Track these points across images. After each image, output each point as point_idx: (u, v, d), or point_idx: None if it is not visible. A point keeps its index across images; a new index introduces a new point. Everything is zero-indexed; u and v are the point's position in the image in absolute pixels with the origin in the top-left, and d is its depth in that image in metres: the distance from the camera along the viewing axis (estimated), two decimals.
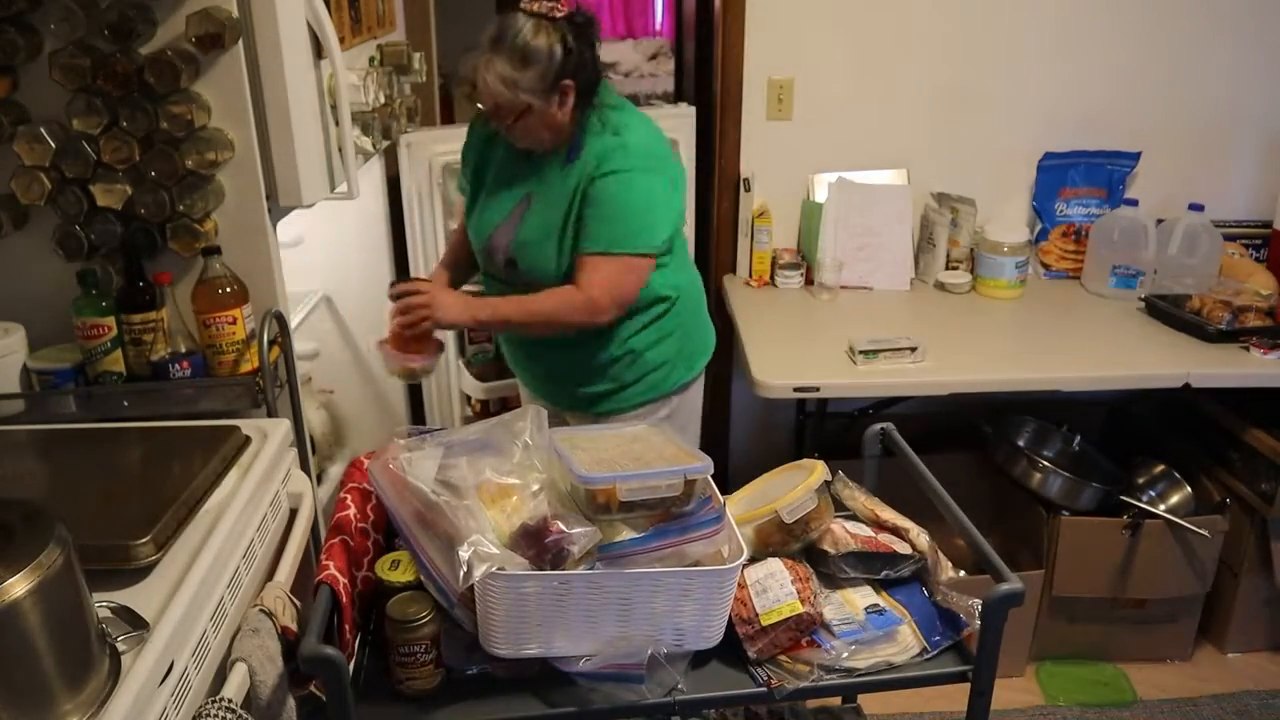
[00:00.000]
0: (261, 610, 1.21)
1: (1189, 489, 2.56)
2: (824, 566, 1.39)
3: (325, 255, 2.49)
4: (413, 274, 2.58)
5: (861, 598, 1.37)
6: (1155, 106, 2.84)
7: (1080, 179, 2.87)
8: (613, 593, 1.21)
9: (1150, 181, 2.89)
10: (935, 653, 1.32)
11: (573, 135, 1.80)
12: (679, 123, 2.66)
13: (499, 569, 1.16)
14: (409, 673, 1.23)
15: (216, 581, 1.18)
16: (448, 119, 3.06)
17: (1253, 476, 2.42)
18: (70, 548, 0.94)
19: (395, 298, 1.84)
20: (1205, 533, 2.38)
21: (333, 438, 2.57)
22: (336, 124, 1.82)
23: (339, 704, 1.14)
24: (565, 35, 1.71)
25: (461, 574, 1.15)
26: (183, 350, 1.65)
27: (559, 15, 1.71)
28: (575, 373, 1.94)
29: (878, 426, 1.66)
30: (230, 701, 1.05)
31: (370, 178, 2.40)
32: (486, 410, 2.67)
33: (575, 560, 1.19)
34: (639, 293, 1.83)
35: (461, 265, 2.06)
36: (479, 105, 1.78)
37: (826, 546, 1.39)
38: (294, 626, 1.25)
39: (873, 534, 1.45)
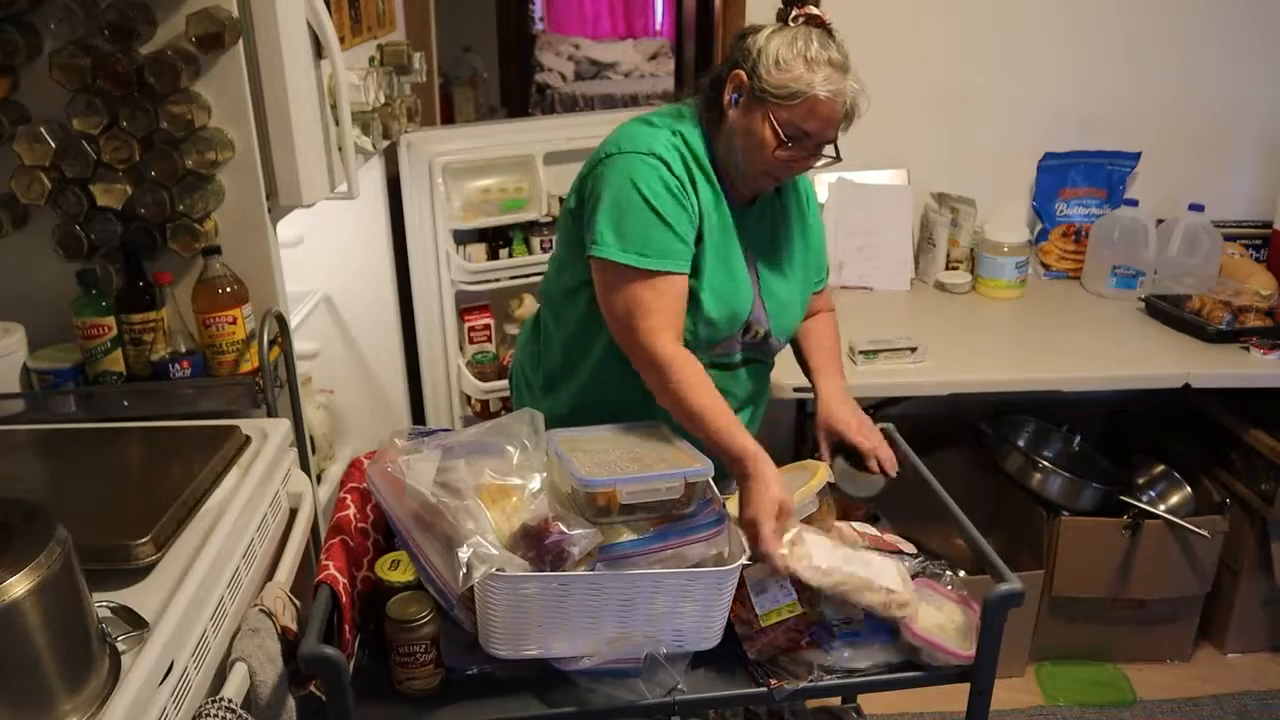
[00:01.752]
0: (261, 610, 1.21)
1: (1189, 489, 2.56)
2: None
3: (325, 255, 2.49)
4: (412, 275, 2.58)
5: None
6: (1155, 106, 2.84)
7: (1080, 179, 2.88)
8: (612, 594, 1.21)
9: (1150, 181, 2.89)
10: None
11: None
12: None
13: (498, 570, 1.16)
14: (409, 673, 1.23)
15: (216, 581, 1.18)
16: (448, 119, 3.06)
17: (1253, 476, 2.42)
18: (70, 548, 0.94)
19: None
20: (1205, 533, 2.38)
21: (333, 438, 2.57)
22: (336, 124, 1.82)
23: (339, 704, 1.15)
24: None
25: (461, 575, 1.15)
26: (183, 350, 1.65)
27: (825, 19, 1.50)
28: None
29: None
30: (230, 701, 1.05)
31: (370, 178, 2.40)
32: (486, 410, 2.67)
33: (576, 562, 1.19)
34: None
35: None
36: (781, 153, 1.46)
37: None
38: (294, 626, 1.25)
39: (879, 533, 1.46)
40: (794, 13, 1.46)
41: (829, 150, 1.50)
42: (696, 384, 1.39)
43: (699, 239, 1.48)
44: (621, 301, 1.42)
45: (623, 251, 1.41)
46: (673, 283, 1.43)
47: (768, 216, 1.60)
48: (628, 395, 1.49)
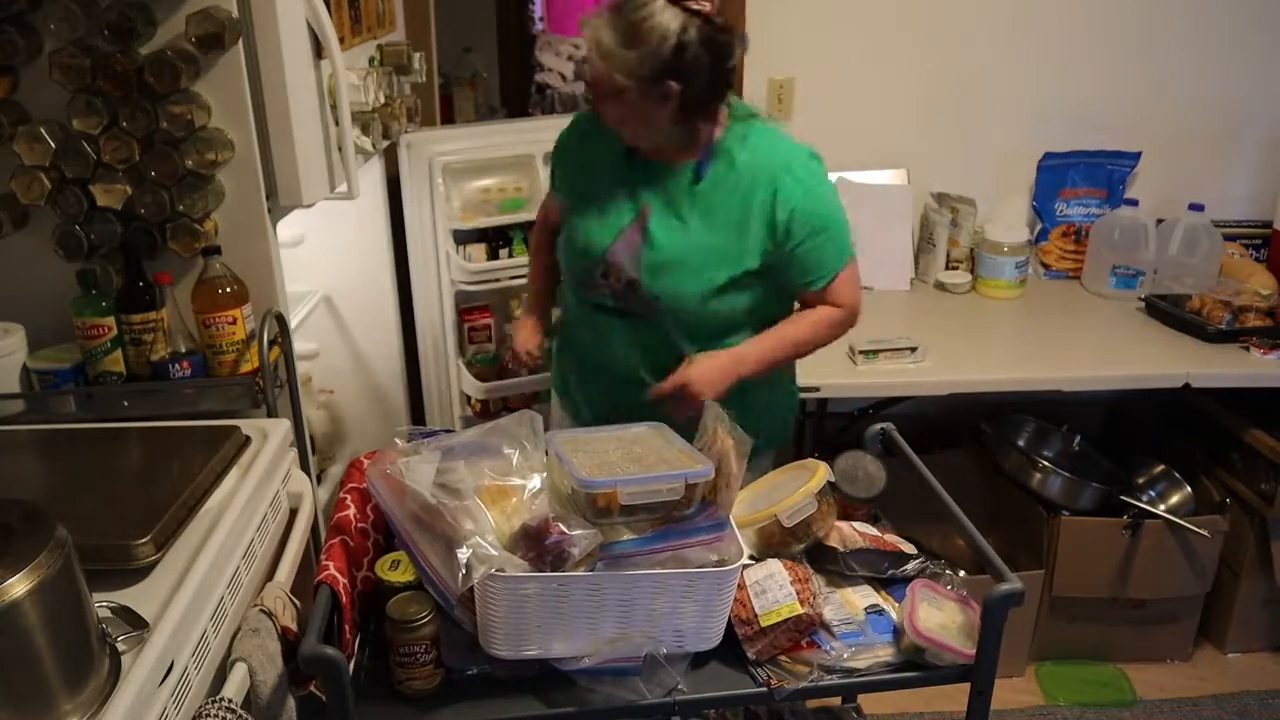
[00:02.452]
0: (261, 610, 1.21)
1: (1189, 489, 2.56)
2: (831, 563, 1.40)
3: (325, 255, 2.49)
4: (412, 275, 2.58)
5: (861, 598, 1.37)
6: (1155, 106, 2.84)
7: (1080, 179, 2.88)
8: (612, 594, 1.21)
9: (1150, 181, 2.89)
10: None
11: (698, 151, 1.63)
12: None
13: (498, 570, 1.16)
14: (409, 673, 1.23)
15: (216, 581, 1.18)
16: (448, 119, 3.06)
17: (1253, 476, 2.42)
18: (70, 548, 0.94)
19: (657, 401, 1.64)
20: (1205, 533, 2.38)
21: (333, 438, 2.57)
22: (336, 124, 1.81)
23: (339, 704, 1.14)
24: (690, 30, 1.50)
25: (460, 576, 1.15)
26: (183, 350, 1.65)
27: (694, 7, 1.51)
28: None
29: (878, 426, 1.66)
30: (230, 701, 1.05)
31: (370, 178, 2.40)
32: (486, 410, 2.67)
33: (576, 562, 1.19)
34: None
35: (549, 292, 1.89)
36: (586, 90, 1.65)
37: (834, 543, 1.40)
38: (294, 626, 1.25)
39: (879, 533, 1.46)
40: None
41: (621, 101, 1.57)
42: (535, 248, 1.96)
43: (584, 178, 1.72)
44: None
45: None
46: (551, 197, 1.87)
47: (703, 186, 1.64)
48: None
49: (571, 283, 1.79)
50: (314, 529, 1.57)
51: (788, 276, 1.69)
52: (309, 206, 1.74)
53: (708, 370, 1.63)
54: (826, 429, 2.79)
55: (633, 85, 1.53)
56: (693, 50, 1.52)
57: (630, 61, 1.51)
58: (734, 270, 1.64)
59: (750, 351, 1.67)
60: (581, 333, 1.82)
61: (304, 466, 1.70)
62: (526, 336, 1.93)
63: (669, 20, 1.49)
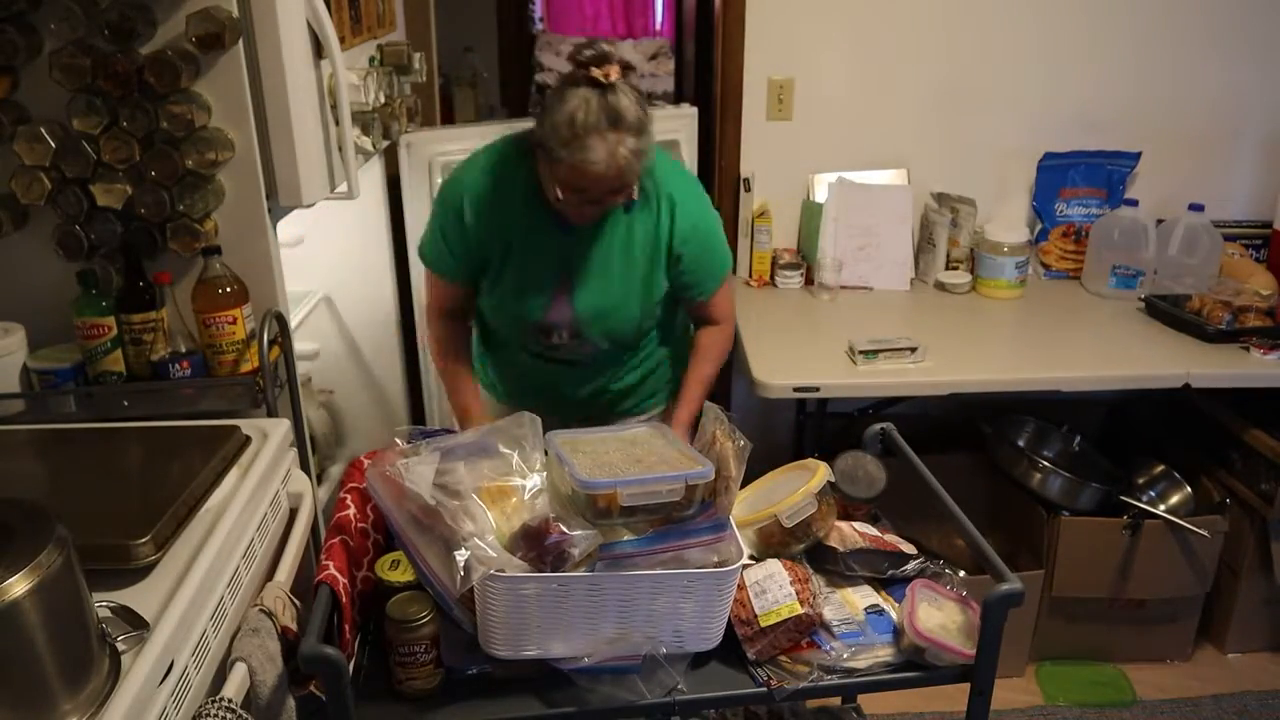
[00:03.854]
0: (261, 610, 1.21)
1: (1189, 489, 2.56)
2: (831, 563, 1.40)
3: (325, 255, 2.49)
4: (412, 275, 2.58)
5: (862, 598, 1.37)
6: (1155, 106, 2.84)
7: (1080, 179, 2.87)
8: (612, 594, 1.21)
9: (1150, 181, 2.89)
10: None
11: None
12: (680, 123, 2.66)
13: (497, 571, 1.16)
14: (409, 673, 1.23)
15: (216, 581, 1.18)
16: (448, 119, 3.06)
17: (1253, 476, 2.42)
18: (70, 548, 0.94)
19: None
20: (1205, 533, 2.38)
21: (333, 438, 2.57)
22: (336, 124, 1.81)
23: (339, 704, 1.14)
24: (635, 92, 1.54)
25: (459, 577, 1.15)
26: (183, 350, 1.65)
27: (626, 76, 1.54)
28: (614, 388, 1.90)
29: (878, 426, 1.66)
30: (230, 701, 1.05)
31: (370, 178, 2.40)
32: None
33: (576, 563, 1.19)
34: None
35: (466, 352, 1.89)
36: (573, 194, 1.57)
37: (834, 543, 1.40)
38: (294, 626, 1.25)
39: (879, 533, 1.46)
40: (576, 73, 1.50)
41: (623, 196, 1.61)
42: (446, 351, 1.84)
43: (507, 254, 1.70)
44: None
45: (421, 248, 1.79)
46: (439, 278, 1.79)
47: (603, 236, 1.70)
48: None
49: (512, 337, 1.84)
50: (314, 529, 1.57)
51: (679, 289, 1.79)
52: (309, 206, 1.74)
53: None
54: (826, 429, 2.79)
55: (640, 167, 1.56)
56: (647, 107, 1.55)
57: (650, 144, 1.55)
58: (656, 297, 1.76)
59: (684, 414, 1.82)
60: (524, 369, 1.89)
61: (304, 466, 1.70)
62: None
63: (635, 98, 1.52)
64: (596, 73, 1.48)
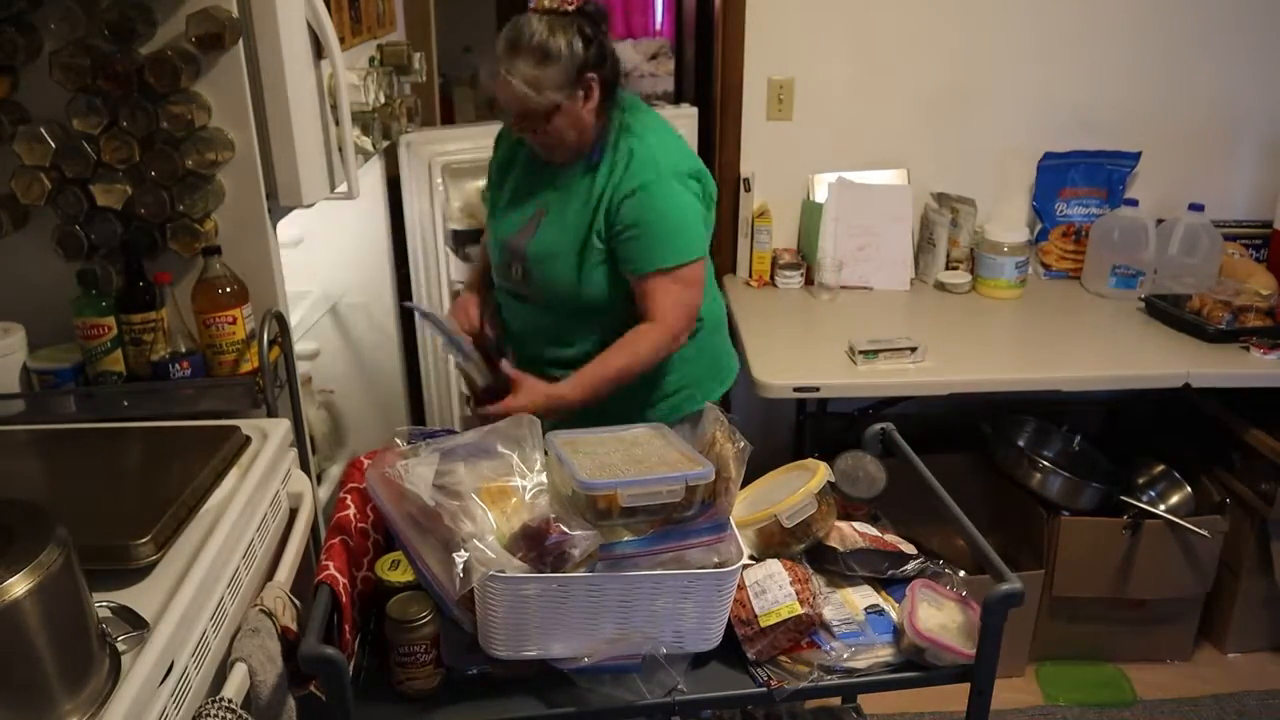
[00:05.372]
0: (261, 610, 1.21)
1: (1189, 489, 2.56)
2: (831, 563, 1.40)
3: (325, 255, 2.49)
4: (412, 275, 2.58)
5: (862, 598, 1.37)
6: (1155, 106, 2.84)
7: (1080, 179, 2.87)
8: (612, 595, 1.21)
9: (1150, 181, 2.89)
10: None
11: (597, 137, 1.74)
12: (681, 123, 2.65)
13: (497, 571, 1.16)
14: (409, 673, 1.23)
15: (216, 581, 1.18)
16: (448, 119, 3.06)
17: (1253, 476, 2.42)
18: (70, 548, 0.94)
19: (483, 418, 1.73)
20: (1205, 533, 2.38)
21: (333, 438, 2.56)
22: (336, 124, 1.82)
23: (339, 704, 1.14)
24: (582, 27, 1.65)
25: (458, 578, 1.15)
26: (183, 350, 1.65)
27: (570, 9, 1.66)
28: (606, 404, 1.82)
29: (878, 426, 1.66)
30: (230, 701, 1.05)
31: (370, 178, 2.40)
32: None
33: (576, 563, 1.19)
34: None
35: (488, 280, 2.00)
36: (504, 115, 1.73)
37: (834, 543, 1.40)
38: (294, 626, 1.25)
39: (879, 533, 1.46)
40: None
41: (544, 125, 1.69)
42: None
43: (505, 175, 1.88)
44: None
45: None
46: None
47: (571, 183, 1.78)
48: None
49: (494, 271, 1.95)
50: (314, 529, 1.57)
51: (619, 261, 1.77)
52: (309, 206, 1.74)
53: (529, 405, 1.70)
54: (826, 429, 2.79)
55: (562, 96, 1.66)
56: (594, 38, 1.67)
57: (556, 77, 1.65)
58: (594, 258, 1.76)
59: (568, 391, 1.76)
60: (503, 314, 1.96)
61: (304, 466, 1.70)
62: (465, 313, 1.95)
63: (560, 30, 1.64)
64: None
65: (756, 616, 1.28)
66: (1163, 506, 2.51)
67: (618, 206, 1.71)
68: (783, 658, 1.30)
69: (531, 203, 1.82)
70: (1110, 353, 2.41)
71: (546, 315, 1.85)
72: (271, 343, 1.67)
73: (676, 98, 4.35)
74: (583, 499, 1.22)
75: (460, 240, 2.59)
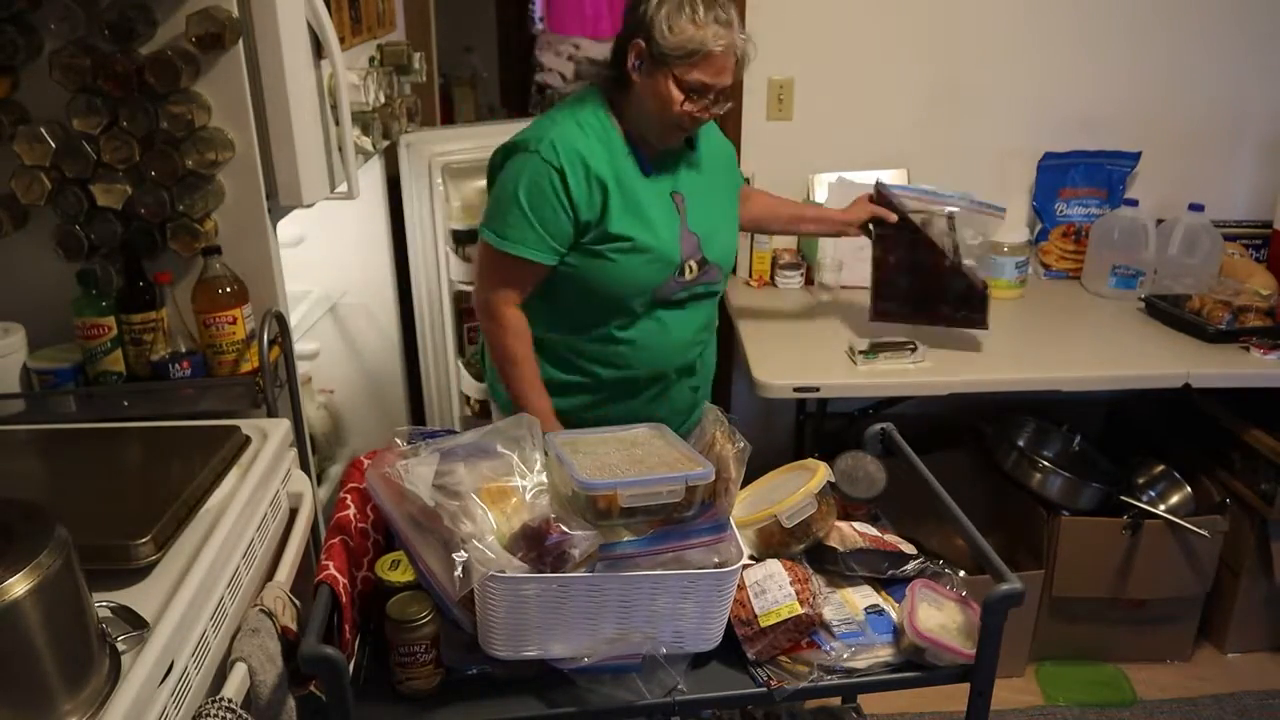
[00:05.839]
0: (261, 610, 1.21)
1: (1189, 489, 2.56)
2: (831, 563, 1.40)
3: (325, 255, 2.49)
4: (412, 275, 2.58)
5: (862, 598, 1.37)
6: (1155, 106, 2.84)
7: (1080, 179, 2.87)
8: (612, 595, 1.21)
9: (1150, 181, 2.89)
10: None
11: None
12: None
13: (497, 571, 1.16)
14: (409, 673, 1.23)
15: (216, 581, 1.18)
16: (448, 119, 3.06)
17: (1253, 476, 2.42)
18: (70, 548, 0.94)
19: None
20: (1205, 533, 2.38)
21: (333, 438, 2.57)
22: (336, 124, 1.82)
23: (339, 704, 1.14)
24: None
25: (458, 578, 1.15)
26: (183, 350, 1.65)
27: None
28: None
29: (878, 426, 1.66)
30: (230, 701, 1.05)
31: (370, 178, 2.40)
32: (486, 410, 2.67)
33: (576, 564, 1.19)
34: None
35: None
36: (694, 98, 1.65)
37: (834, 543, 1.40)
38: (294, 626, 1.25)
39: (879, 534, 1.46)
40: None
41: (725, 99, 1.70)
42: (520, 344, 1.77)
43: (604, 213, 1.70)
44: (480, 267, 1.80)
45: (490, 232, 1.74)
46: (524, 264, 1.72)
47: (680, 161, 1.81)
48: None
49: (619, 311, 1.77)
50: (314, 529, 1.57)
51: None
52: (309, 206, 1.74)
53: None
54: (826, 429, 2.78)
55: None
56: None
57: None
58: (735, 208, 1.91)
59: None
60: (626, 351, 1.80)
61: (304, 466, 1.70)
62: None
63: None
64: None
65: (756, 616, 1.28)
66: (1163, 506, 2.51)
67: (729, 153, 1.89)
68: (783, 658, 1.30)
69: (666, 199, 1.77)
70: (1110, 353, 2.41)
71: (703, 309, 1.86)
72: (271, 343, 1.67)
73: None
74: (583, 499, 1.22)
75: (460, 240, 2.59)
